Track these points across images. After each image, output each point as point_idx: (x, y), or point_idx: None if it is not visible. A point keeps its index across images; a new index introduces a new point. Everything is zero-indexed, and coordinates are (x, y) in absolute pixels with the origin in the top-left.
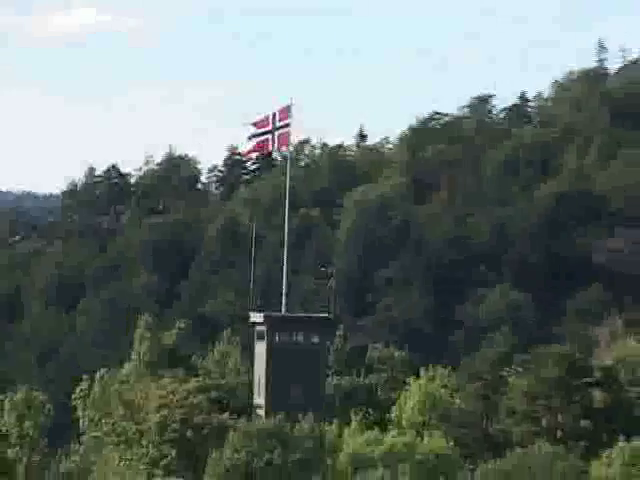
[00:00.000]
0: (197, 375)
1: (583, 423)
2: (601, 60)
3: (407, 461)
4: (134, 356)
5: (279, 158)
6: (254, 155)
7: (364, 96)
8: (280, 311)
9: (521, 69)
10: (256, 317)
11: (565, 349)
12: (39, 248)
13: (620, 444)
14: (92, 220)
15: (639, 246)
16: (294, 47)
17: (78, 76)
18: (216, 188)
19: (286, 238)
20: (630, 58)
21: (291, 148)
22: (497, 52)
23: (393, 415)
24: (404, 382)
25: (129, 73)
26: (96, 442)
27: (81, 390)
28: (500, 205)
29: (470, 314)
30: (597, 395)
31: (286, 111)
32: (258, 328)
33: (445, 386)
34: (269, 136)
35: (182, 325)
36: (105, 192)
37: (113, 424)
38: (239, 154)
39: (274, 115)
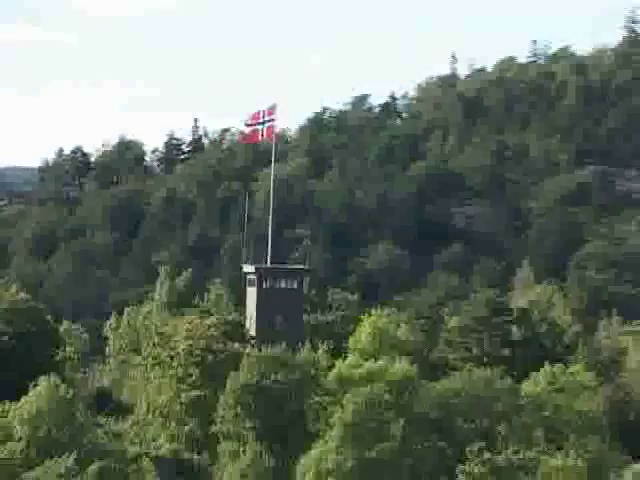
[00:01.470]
0: (210, 313)
1: (503, 351)
2: (454, 68)
3: (381, 381)
4: (157, 297)
5: (206, 142)
6: (251, 142)
7: (271, 91)
8: (267, 263)
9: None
10: (248, 268)
11: (490, 294)
12: (22, 210)
13: (545, 368)
14: (62, 190)
15: (488, 213)
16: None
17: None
18: (158, 165)
19: (271, 205)
20: (476, 67)
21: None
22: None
23: (350, 344)
24: (358, 318)
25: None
26: (122, 364)
27: (110, 324)
28: (381, 181)
29: (360, 265)
30: (514, 330)
31: (272, 109)
32: (249, 277)
33: (391, 322)
34: (259, 127)
35: (188, 275)
36: (72, 168)
37: (150, 350)
38: (176, 139)
39: (263, 112)
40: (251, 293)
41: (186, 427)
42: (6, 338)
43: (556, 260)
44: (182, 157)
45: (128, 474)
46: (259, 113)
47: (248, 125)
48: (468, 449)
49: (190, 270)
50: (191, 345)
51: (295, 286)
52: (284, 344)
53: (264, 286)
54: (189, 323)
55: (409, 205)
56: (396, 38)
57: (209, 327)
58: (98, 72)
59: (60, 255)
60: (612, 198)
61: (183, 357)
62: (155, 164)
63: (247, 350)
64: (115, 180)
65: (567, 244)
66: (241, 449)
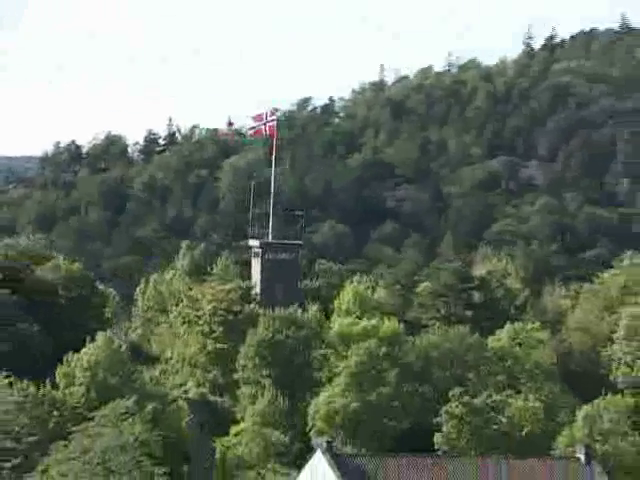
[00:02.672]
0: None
1: (467, 313)
2: (382, 75)
3: (375, 336)
4: (179, 266)
5: (179, 137)
6: (255, 137)
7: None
8: (268, 238)
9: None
10: (253, 242)
11: (456, 265)
12: (27, 193)
13: (507, 327)
14: (59, 176)
15: (415, 196)
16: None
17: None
18: (139, 155)
19: (272, 191)
20: (400, 75)
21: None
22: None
23: (335, 306)
24: (341, 285)
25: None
26: (148, 322)
27: (140, 288)
28: (325, 170)
29: (309, 240)
30: (476, 295)
31: (273, 111)
32: (254, 250)
33: (369, 287)
34: (262, 126)
35: (202, 248)
36: (67, 157)
37: (180, 310)
38: (154, 134)
39: (266, 114)
40: (255, 264)
41: (210, 374)
42: (63, 301)
43: (472, 235)
44: (159, 149)
45: (170, 413)
46: (263, 114)
47: (254, 124)
48: (450, 393)
49: (204, 244)
50: (215, 307)
51: (293, 257)
52: (296, 305)
53: (267, 258)
54: (212, 288)
55: (350, 189)
56: (333, 48)
57: (229, 292)
58: (92, 73)
59: (59, 231)
60: (517, 184)
61: (208, 316)
62: (137, 154)
63: (261, 311)
64: (104, 167)
65: (481, 222)
66: (259, 393)
